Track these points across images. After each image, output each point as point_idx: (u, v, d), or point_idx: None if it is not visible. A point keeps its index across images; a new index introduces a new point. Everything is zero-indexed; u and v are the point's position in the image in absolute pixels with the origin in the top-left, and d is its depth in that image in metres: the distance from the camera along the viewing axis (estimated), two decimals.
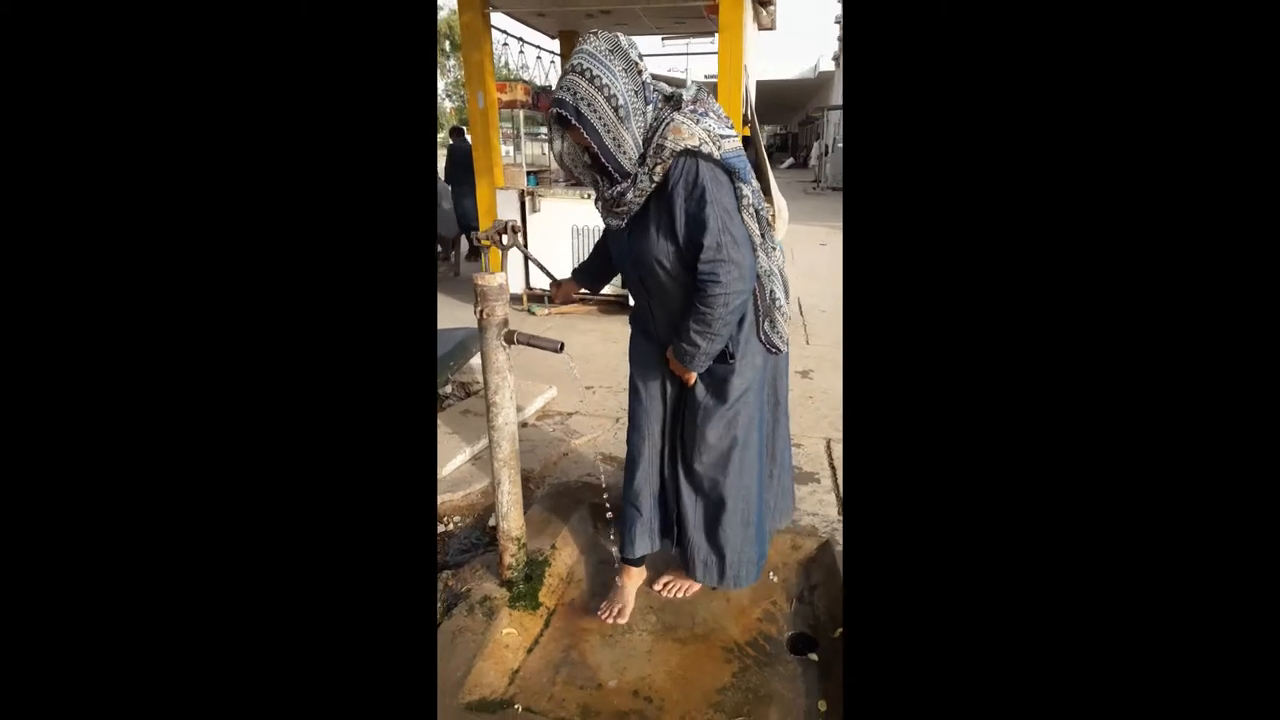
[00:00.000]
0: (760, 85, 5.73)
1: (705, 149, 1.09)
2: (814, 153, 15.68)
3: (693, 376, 1.27)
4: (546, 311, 4.15)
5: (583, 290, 1.54)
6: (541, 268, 1.58)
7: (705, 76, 6.05)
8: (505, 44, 4.61)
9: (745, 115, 3.86)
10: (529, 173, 4.21)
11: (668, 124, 1.10)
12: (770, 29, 4.99)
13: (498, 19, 4.19)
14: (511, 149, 5.26)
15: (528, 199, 3.99)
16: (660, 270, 1.18)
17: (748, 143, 1.36)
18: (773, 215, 1.34)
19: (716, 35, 3.73)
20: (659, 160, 1.10)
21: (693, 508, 1.36)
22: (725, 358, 1.25)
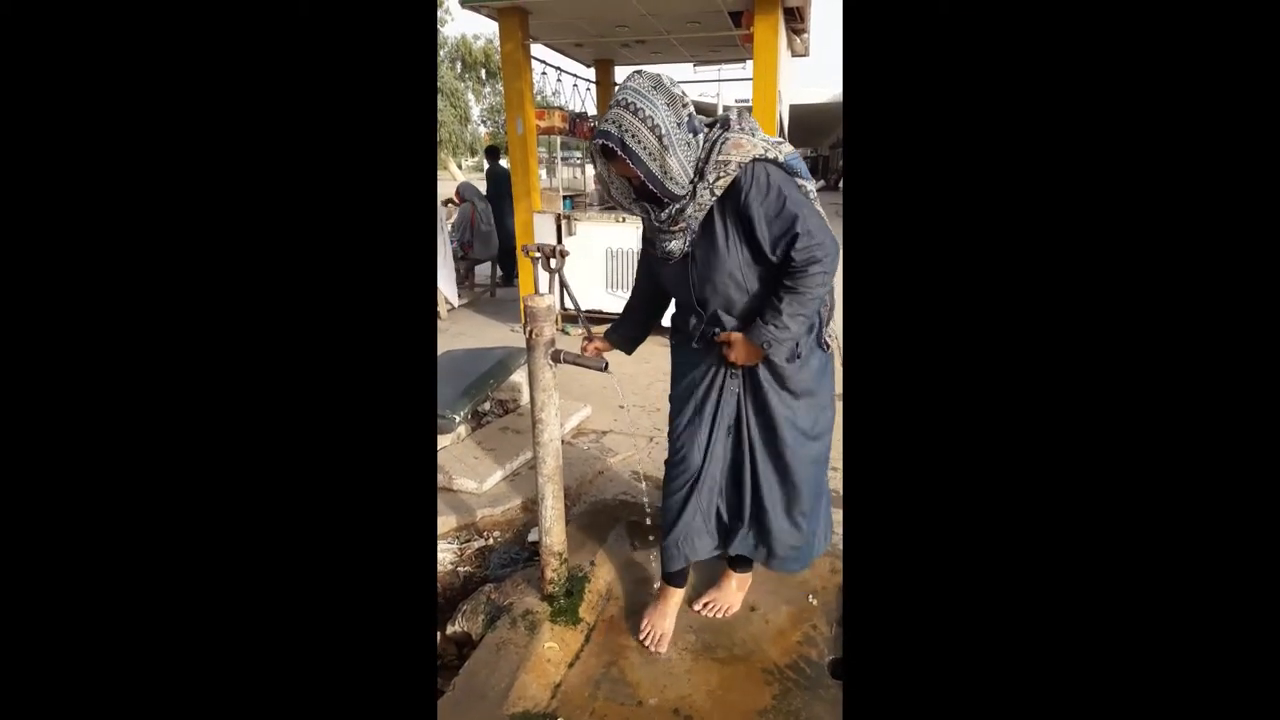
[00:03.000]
0: (792, 109, 5.78)
1: (769, 154, 1.16)
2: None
3: (757, 359, 1.24)
4: (580, 332, 4.22)
5: (612, 350, 1.52)
6: (579, 315, 1.61)
7: (736, 101, 6.13)
8: (544, 73, 4.76)
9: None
10: (565, 197, 4.31)
11: (724, 141, 1.15)
12: (803, 55, 5.06)
13: (537, 49, 4.34)
14: (546, 173, 5.40)
15: (564, 222, 4.09)
16: (732, 283, 1.21)
17: None
18: None
19: (750, 62, 3.80)
20: (723, 173, 1.14)
21: (771, 498, 1.35)
22: (793, 355, 1.26)
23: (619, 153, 1.12)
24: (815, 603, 1.59)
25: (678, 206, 1.17)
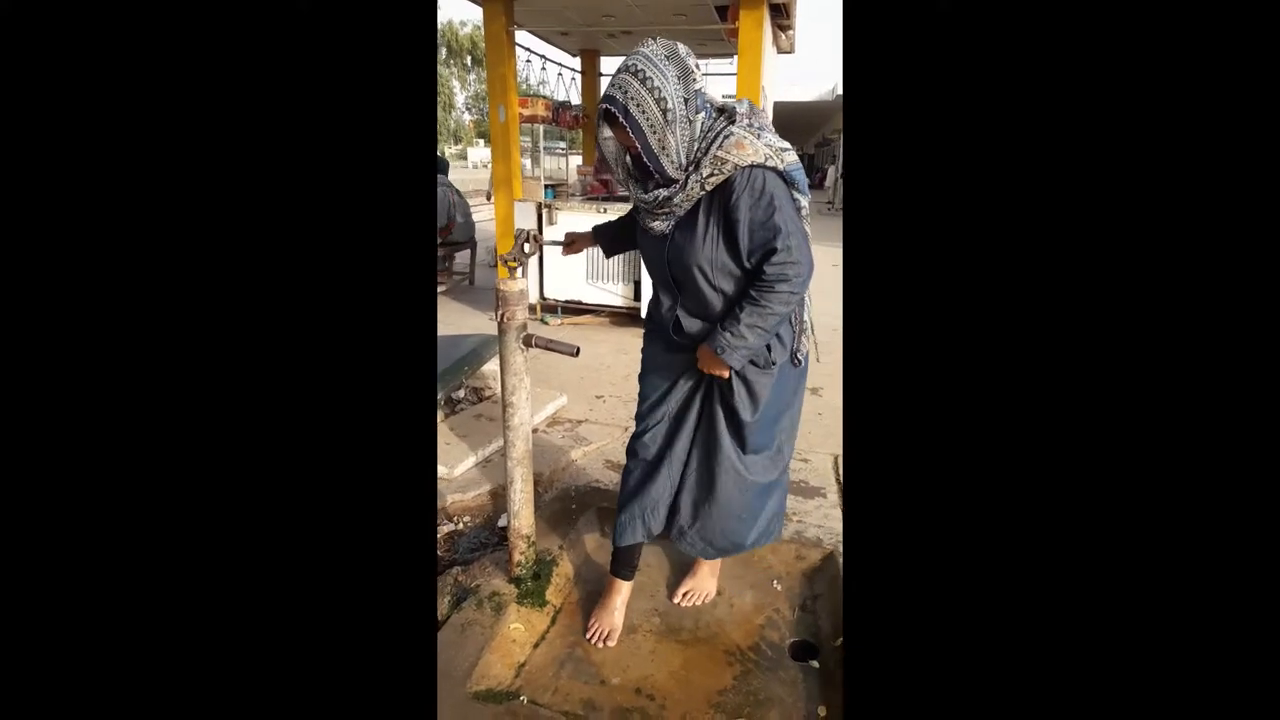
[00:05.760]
0: (778, 107, 5.80)
1: (770, 162, 1.13)
2: (830, 175, 15.84)
3: (726, 372, 1.27)
4: (559, 321, 4.21)
5: (596, 245, 1.55)
6: (554, 242, 1.62)
7: (723, 97, 6.13)
8: (528, 60, 4.73)
9: None
10: (547, 186, 4.29)
11: (728, 137, 1.13)
12: (789, 52, 5.08)
13: (522, 37, 4.30)
14: (529, 162, 5.35)
15: (545, 211, 4.08)
16: (700, 275, 1.20)
17: None
18: None
19: (735, 58, 3.81)
20: (717, 170, 1.13)
21: (688, 492, 1.39)
22: (768, 362, 1.27)
23: (621, 119, 1.10)
24: (780, 588, 1.62)
25: (665, 194, 1.16)
